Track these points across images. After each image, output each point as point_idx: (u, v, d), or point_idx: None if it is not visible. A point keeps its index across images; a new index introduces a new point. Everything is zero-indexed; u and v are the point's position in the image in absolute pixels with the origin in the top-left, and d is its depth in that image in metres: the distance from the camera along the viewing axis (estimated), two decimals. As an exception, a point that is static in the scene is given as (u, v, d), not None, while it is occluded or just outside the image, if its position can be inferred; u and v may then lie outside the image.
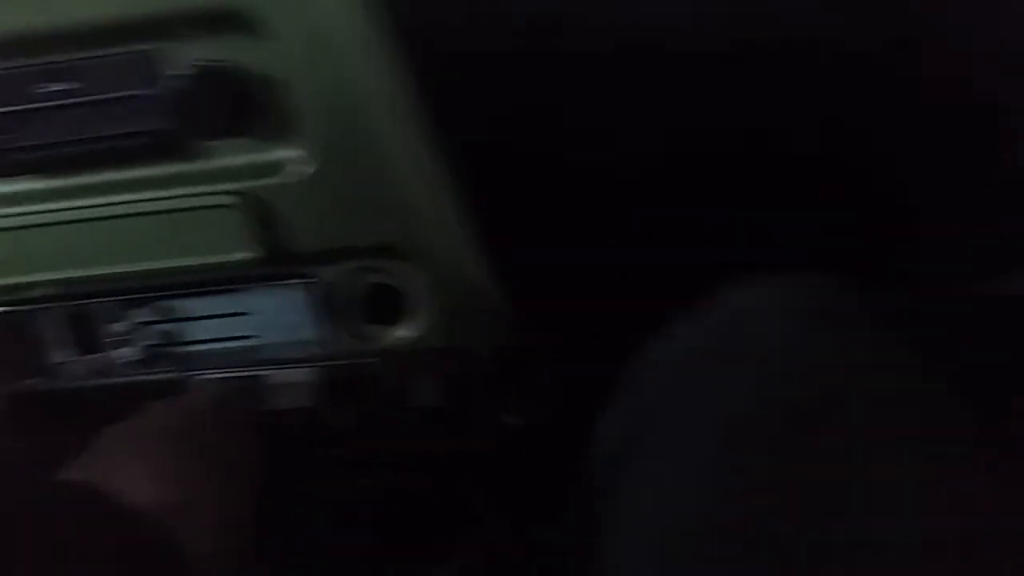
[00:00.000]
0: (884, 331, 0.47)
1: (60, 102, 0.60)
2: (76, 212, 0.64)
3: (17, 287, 0.68)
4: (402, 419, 0.67)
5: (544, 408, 0.68)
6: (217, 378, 0.70)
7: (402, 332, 0.71)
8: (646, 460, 0.49)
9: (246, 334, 0.73)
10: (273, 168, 0.62)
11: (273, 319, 0.73)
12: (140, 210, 0.64)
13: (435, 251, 0.64)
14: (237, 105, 0.59)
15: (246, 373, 0.71)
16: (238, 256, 0.65)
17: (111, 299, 0.71)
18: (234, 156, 0.62)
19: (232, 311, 0.73)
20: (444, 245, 0.63)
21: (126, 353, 0.73)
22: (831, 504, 0.42)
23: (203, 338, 0.74)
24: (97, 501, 0.52)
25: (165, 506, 0.53)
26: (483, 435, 0.66)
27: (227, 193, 0.62)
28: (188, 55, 0.58)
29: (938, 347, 0.47)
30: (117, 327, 0.73)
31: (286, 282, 0.70)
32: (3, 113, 0.61)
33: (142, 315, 0.73)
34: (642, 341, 0.54)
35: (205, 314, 0.73)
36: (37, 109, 0.61)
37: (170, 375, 0.73)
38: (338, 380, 0.69)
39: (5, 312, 0.72)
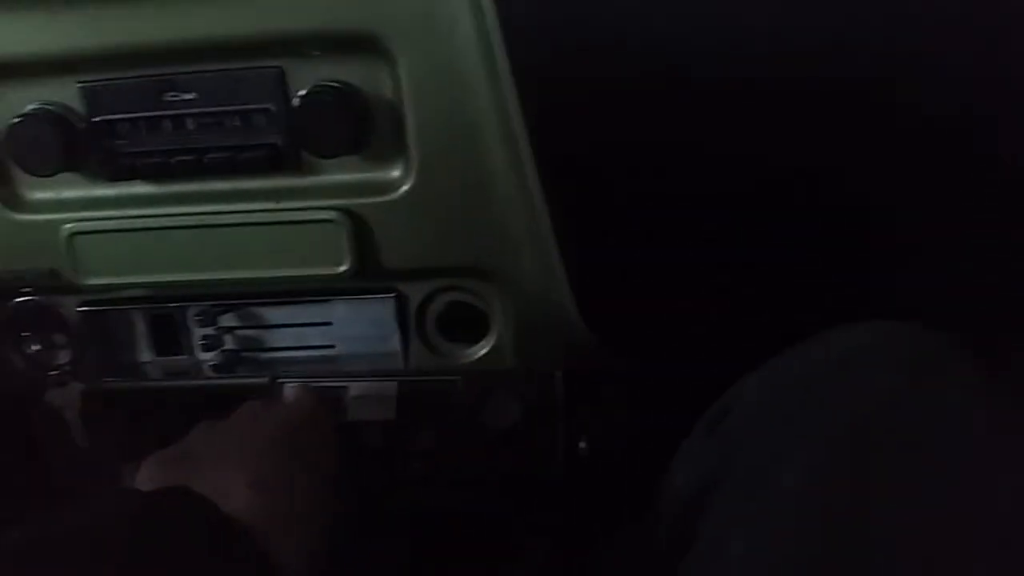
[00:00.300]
0: (983, 387, 0.48)
1: (184, 111, 0.63)
2: (183, 219, 0.67)
3: (112, 287, 0.71)
4: (479, 439, 0.69)
5: (617, 433, 0.70)
6: (303, 386, 0.71)
7: (481, 351, 0.74)
8: (731, 494, 0.50)
9: (328, 344, 0.76)
10: (378, 187, 0.65)
11: (355, 331, 0.75)
12: (246, 220, 0.66)
13: (523, 274, 0.67)
14: (353, 125, 0.62)
15: (327, 383, 0.73)
16: (333, 270, 0.67)
17: (200, 303, 0.74)
18: (343, 173, 0.66)
19: (316, 320, 0.75)
20: (532, 268, 0.66)
21: (210, 357, 0.76)
22: (926, 547, 0.43)
23: (285, 345, 0.76)
24: (195, 506, 0.52)
25: (259, 513, 0.53)
26: (558, 459, 0.68)
27: (332, 209, 0.65)
28: (314, 74, 0.62)
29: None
30: (203, 331, 0.75)
31: (371, 296, 0.73)
32: (128, 119, 0.64)
33: (228, 320, 0.75)
34: (720, 375, 0.57)
35: (289, 322, 0.76)
36: (160, 117, 0.64)
37: (251, 380, 0.76)
38: (417, 395, 0.71)
39: (96, 311, 0.74)
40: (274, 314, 0.75)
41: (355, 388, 0.72)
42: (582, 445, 0.68)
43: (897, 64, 0.57)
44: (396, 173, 0.65)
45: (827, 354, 0.52)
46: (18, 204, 0.68)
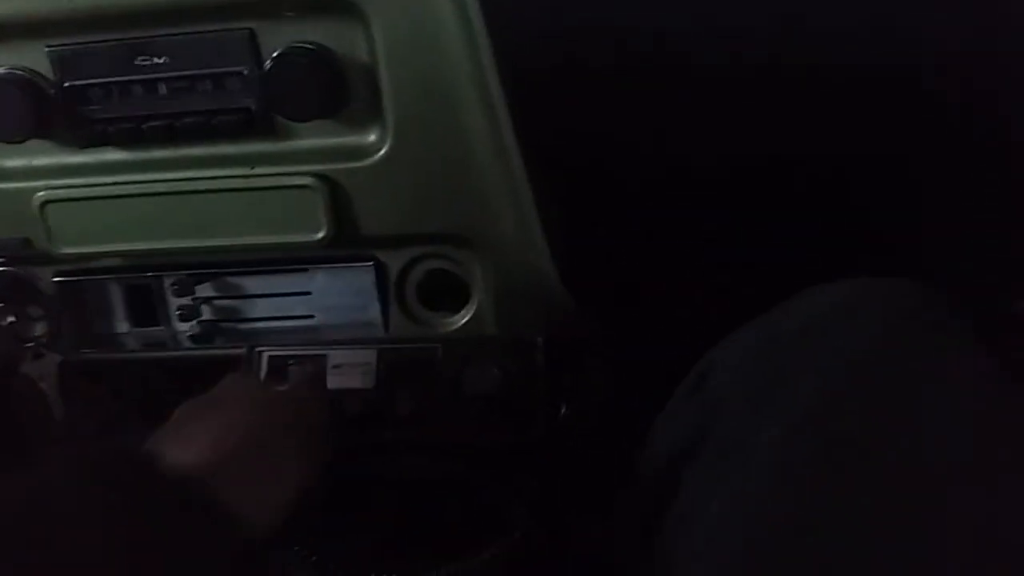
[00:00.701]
0: (967, 338, 0.48)
1: (156, 75, 0.62)
2: (156, 185, 0.66)
3: (87, 256, 0.70)
4: (459, 406, 0.69)
5: (598, 400, 0.70)
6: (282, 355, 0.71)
7: (462, 320, 0.73)
8: (711, 455, 0.50)
9: (307, 314, 0.75)
10: (355, 152, 0.64)
11: (334, 300, 0.75)
12: (220, 186, 0.65)
13: (502, 240, 0.66)
14: (328, 88, 0.61)
15: (306, 351, 0.72)
16: (310, 237, 0.67)
17: (176, 273, 0.73)
18: (318, 138, 0.65)
19: (294, 291, 0.75)
20: (512, 234, 0.65)
21: (187, 327, 0.75)
22: (901, 505, 0.43)
23: (264, 315, 0.76)
24: (149, 463, 0.52)
25: (217, 469, 0.53)
26: (539, 425, 0.68)
27: (308, 175, 0.64)
28: (287, 36, 0.60)
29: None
30: (180, 301, 0.74)
31: (350, 264, 0.72)
32: (99, 84, 0.63)
33: (205, 290, 0.74)
34: (696, 337, 0.56)
35: (267, 292, 0.75)
36: (132, 81, 0.63)
37: (229, 350, 0.75)
38: (397, 363, 0.71)
39: (72, 281, 0.73)
40: (252, 284, 0.75)
41: (335, 356, 0.71)
42: (563, 411, 0.68)
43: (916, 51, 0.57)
44: (372, 138, 0.64)
45: (804, 313, 0.52)
46: (-11, 172, 0.67)
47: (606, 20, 0.57)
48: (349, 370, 0.70)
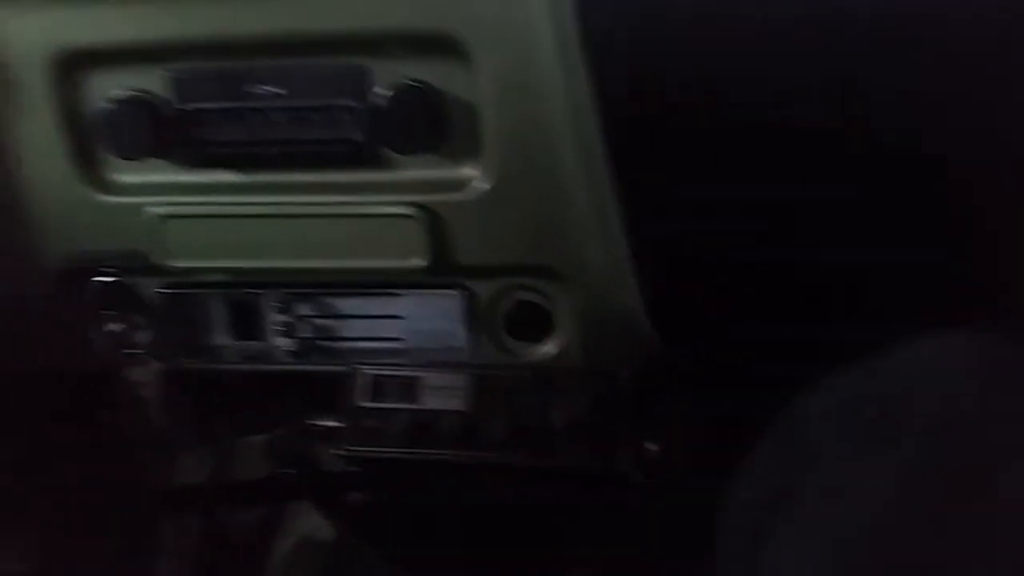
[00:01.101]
0: None
1: (269, 103, 0.65)
2: (264, 207, 0.69)
3: (194, 271, 0.73)
4: (547, 433, 0.70)
5: (683, 438, 0.70)
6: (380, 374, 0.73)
7: (546, 350, 0.74)
8: (807, 503, 0.50)
9: (396, 336, 0.77)
10: (454, 184, 0.66)
11: (423, 325, 0.76)
12: (326, 212, 0.68)
13: (592, 275, 0.67)
14: (432, 124, 0.63)
15: (404, 372, 0.74)
16: (407, 263, 0.69)
17: (277, 290, 0.76)
18: (420, 170, 0.66)
19: (386, 314, 0.77)
20: (602, 270, 0.66)
21: (286, 343, 0.78)
22: (1006, 564, 0.43)
23: (356, 336, 0.78)
24: None
25: None
26: (625, 456, 0.68)
27: (409, 204, 0.66)
28: (396, 73, 0.63)
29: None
30: (280, 317, 0.77)
31: (441, 292, 0.74)
32: (214, 109, 0.66)
33: (304, 308, 0.77)
34: (790, 378, 0.56)
35: (361, 314, 0.77)
36: (246, 108, 0.65)
37: (326, 367, 0.77)
38: (488, 388, 0.72)
39: (177, 294, 0.77)
40: (347, 305, 0.77)
41: (429, 378, 0.73)
42: (648, 445, 0.69)
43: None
44: (471, 171, 0.65)
45: (905, 366, 0.51)
46: (106, 187, 0.70)
47: (708, 66, 0.57)
48: (443, 392, 0.72)
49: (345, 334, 0.78)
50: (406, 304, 0.76)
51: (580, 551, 0.80)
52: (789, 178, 0.61)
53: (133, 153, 0.67)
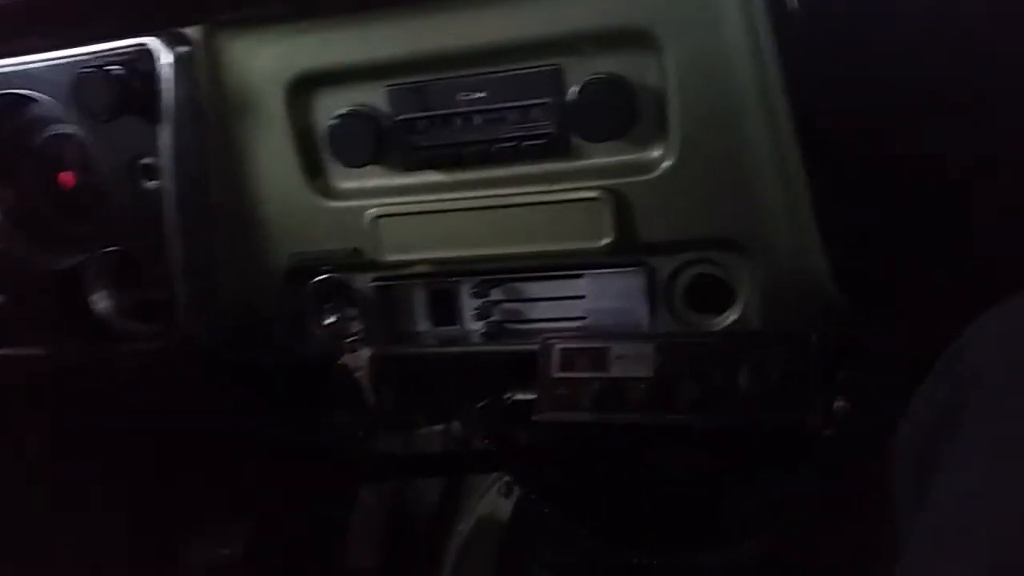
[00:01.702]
0: None
1: (473, 108, 0.74)
2: (466, 202, 0.77)
3: (405, 263, 0.82)
4: (737, 397, 0.74)
5: (871, 395, 0.73)
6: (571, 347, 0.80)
7: (726, 320, 0.80)
8: (968, 422, 0.51)
9: (580, 315, 0.84)
10: (640, 167, 0.73)
11: (605, 303, 0.83)
12: (522, 201, 0.76)
13: (777, 244, 0.71)
14: (622, 112, 0.70)
15: (593, 344, 0.80)
16: (595, 244, 0.75)
17: (474, 278, 0.84)
18: (607, 156, 0.74)
19: (571, 294, 0.84)
20: (787, 238, 0.70)
21: (480, 326, 0.86)
22: None
23: (543, 317, 0.85)
24: None
25: None
26: (816, 417, 0.72)
27: (597, 188, 0.73)
28: (587, 68, 0.70)
29: None
30: (476, 303, 0.85)
31: (623, 270, 0.80)
32: (426, 117, 0.75)
33: (496, 294, 0.85)
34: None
35: (547, 296, 0.84)
36: (454, 114, 0.74)
37: (517, 347, 0.85)
38: (675, 356, 0.77)
39: (387, 285, 0.86)
40: (534, 288, 0.84)
41: (616, 348, 0.79)
42: (838, 404, 0.72)
43: None
44: (657, 153, 0.72)
45: None
46: (330, 192, 0.80)
47: (895, 44, 0.62)
48: (630, 360, 0.77)
49: (532, 316, 0.85)
50: (588, 284, 0.83)
51: (757, 516, 0.85)
52: (973, 143, 0.65)
53: (356, 161, 0.76)
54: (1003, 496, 0.46)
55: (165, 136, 0.76)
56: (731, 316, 0.79)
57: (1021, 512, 0.45)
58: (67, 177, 0.84)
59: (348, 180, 0.80)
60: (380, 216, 0.79)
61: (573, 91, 0.71)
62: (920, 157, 0.64)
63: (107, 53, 0.76)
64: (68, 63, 0.77)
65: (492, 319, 0.86)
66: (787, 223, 0.70)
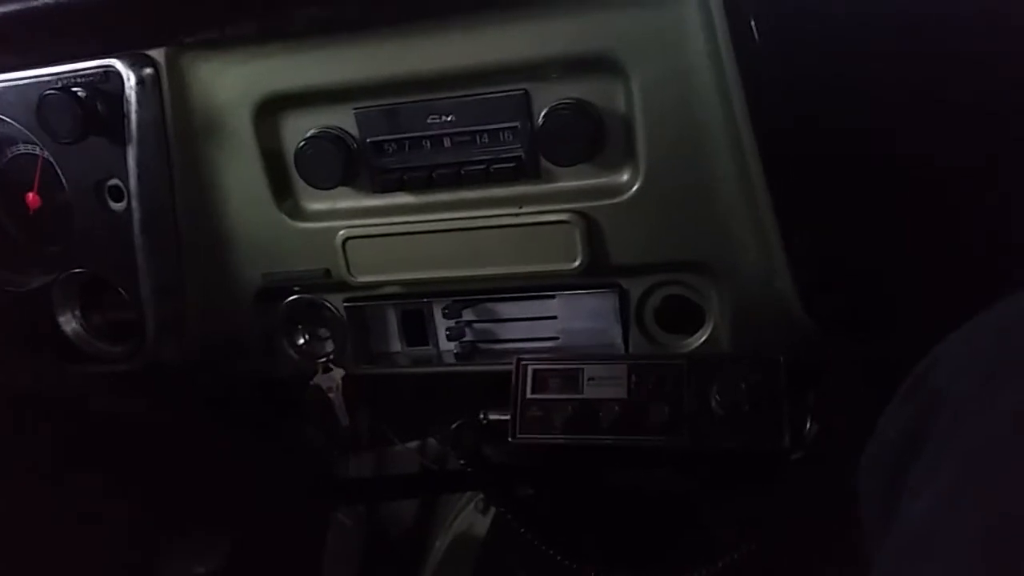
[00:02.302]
0: None
1: (443, 131, 0.73)
2: (436, 224, 0.77)
3: (376, 284, 0.82)
4: (708, 417, 0.74)
5: (841, 416, 0.74)
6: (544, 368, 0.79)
7: (696, 341, 0.80)
8: (933, 440, 0.50)
9: (552, 335, 0.84)
10: (609, 191, 0.73)
11: (577, 324, 0.83)
12: (492, 224, 0.76)
13: (744, 267, 0.72)
14: (590, 136, 0.70)
15: (566, 365, 0.80)
16: (567, 266, 0.75)
17: (446, 299, 0.84)
18: (576, 180, 0.74)
19: (543, 315, 0.84)
20: (754, 262, 0.71)
21: (452, 347, 0.86)
22: None
23: (516, 337, 0.85)
24: None
25: None
26: (786, 437, 0.72)
27: (567, 211, 0.73)
28: (555, 94, 0.70)
29: None
30: (448, 323, 0.85)
31: (596, 291, 0.81)
32: (395, 140, 0.75)
33: (469, 314, 0.85)
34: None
35: (520, 316, 0.84)
36: (424, 137, 0.74)
37: (483, 367, 0.85)
38: (647, 377, 0.77)
39: (358, 306, 0.86)
40: (507, 309, 0.84)
41: (590, 370, 0.79)
42: (809, 427, 0.73)
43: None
44: (625, 177, 0.72)
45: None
46: (299, 214, 0.80)
47: (859, 64, 0.62)
48: (603, 382, 0.78)
49: (505, 336, 0.85)
50: (560, 305, 0.83)
51: (728, 535, 0.85)
52: (939, 172, 0.65)
53: (325, 183, 0.76)
54: (965, 515, 0.46)
55: (131, 158, 0.76)
56: (702, 336, 0.80)
57: (982, 531, 0.45)
58: (33, 198, 0.83)
59: (318, 202, 0.80)
60: (350, 238, 0.78)
61: (541, 115, 0.71)
62: (886, 184, 0.64)
63: (72, 74, 0.75)
64: (32, 84, 0.76)
65: (465, 339, 0.86)
66: (754, 247, 0.70)
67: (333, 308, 0.86)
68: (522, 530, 0.89)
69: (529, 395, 0.80)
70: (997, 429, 0.47)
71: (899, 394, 0.58)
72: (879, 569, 0.50)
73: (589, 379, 0.78)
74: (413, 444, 1.00)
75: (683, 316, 0.81)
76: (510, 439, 0.78)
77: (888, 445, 0.57)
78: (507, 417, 0.80)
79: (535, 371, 0.79)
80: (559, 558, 0.89)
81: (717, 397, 0.73)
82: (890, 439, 0.57)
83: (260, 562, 1.15)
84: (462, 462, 0.85)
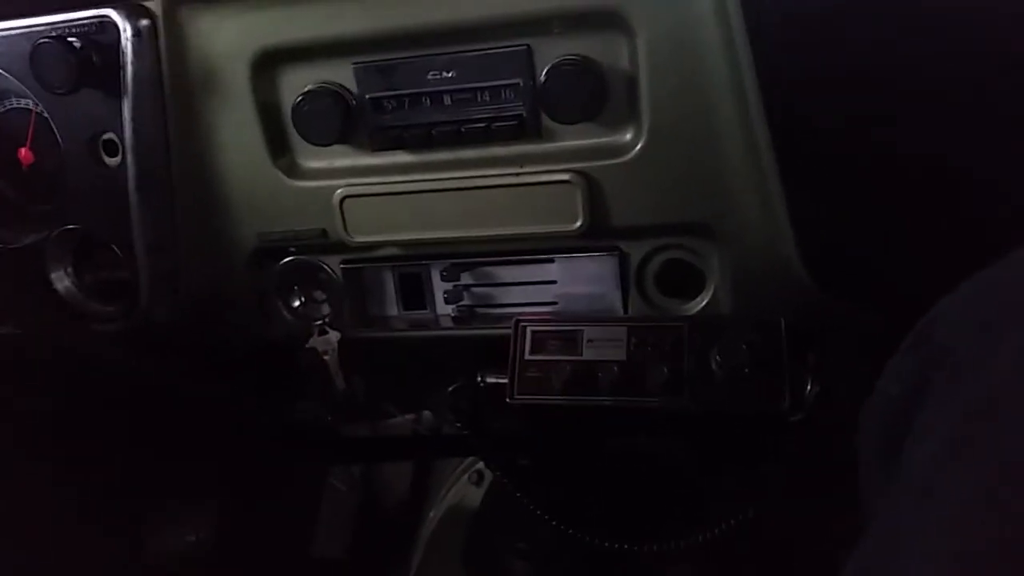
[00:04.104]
0: None
1: (444, 88, 0.72)
2: (437, 183, 0.76)
3: (374, 245, 0.81)
4: (708, 379, 0.73)
5: (843, 378, 0.73)
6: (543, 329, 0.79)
7: (696, 305, 0.79)
8: (935, 395, 0.50)
9: (551, 300, 0.83)
10: (611, 150, 0.72)
11: (577, 288, 0.82)
12: (492, 183, 0.74)
13: (746, 229, 0.71)
14: (593, 94, 0.69)
15: (565, 327, 0.79)
16: (567, 227, 0.74)
17: (444, 261, 0.83)
18: (578, 139, 0.73)
19: (542, 279, 0.83)
20: (757, 224, 0.70)
21: (450, 310, 0.85)
22: None
23: (514, 302, 0.84)
24: None
25: None
26: (786, 398, 0.71)
27: (568, 171, 0.72)
28: (558, 50, 0.69)
29: None
30: (445, 286, 0.84)
31: (594, 255, 0.80)
32: (394, 96, 0.73)
33: (467, 278, 0.84)
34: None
35: (519, 280, 0.83)
36: (423, 93, 0.73)
37: (481, 331, 0.84)
38: (646, 339, 0.76)
39: (355, 268, 0.85)
40: (506, 273, 0.83)
41: (589, 331, 0.78)
42: (809, 389, 0.72)
43: None
44: (628, 137, 0.71)
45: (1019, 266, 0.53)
46: (296, 172, 0.79)
47: (867, 28, 0.61)
48: (602, 344, 0.77)
49: (503, 300, 0.85)
50: (560, 269, 0.82)
51: (725, 502, 0.84)
52: (943, 131, 0.64)
53: (322, 139, 0.75)
54: (967, 460, 0.46)
55: (126, 111, 0.74)
56: (702, 301, 0.79)
57: (983, 478, 0.45)
58: (25, 154, 0.82)
59: (315, 159, 0.79)
60: (348, 196, 0.77)
61: (544, 72, 0.70)
62: (892, 143, 0.63)
63: (67, 24, 0.73)
64: (26, 34, 0.74)
65: (463, 303, 0.85)
66: (758, 209, 0.69)
67: (329, 270, 0.85)
68: (518, 495, 0.89)
69: (527, 356, 0.79)
70: (998, 379, 0.47)
71: (901, 349, 0.58)
72: (881, 515, 0.50)
73: (588, 341, 0.77)
74: (409, 410, 0.99)
75: (683, 281, 0.80)
76: (508, 400, 0.77)
77: (890, 400, 0.57)
78: (505, 380, 0.79)
79: (534, 332, 0.79)
80: (554, 523, 0.88)
81: (717, 359, 0.72)
82: (893, 393, 0.57)
83: (251, 530, 1.15)
84: (459, 425, 0.85)
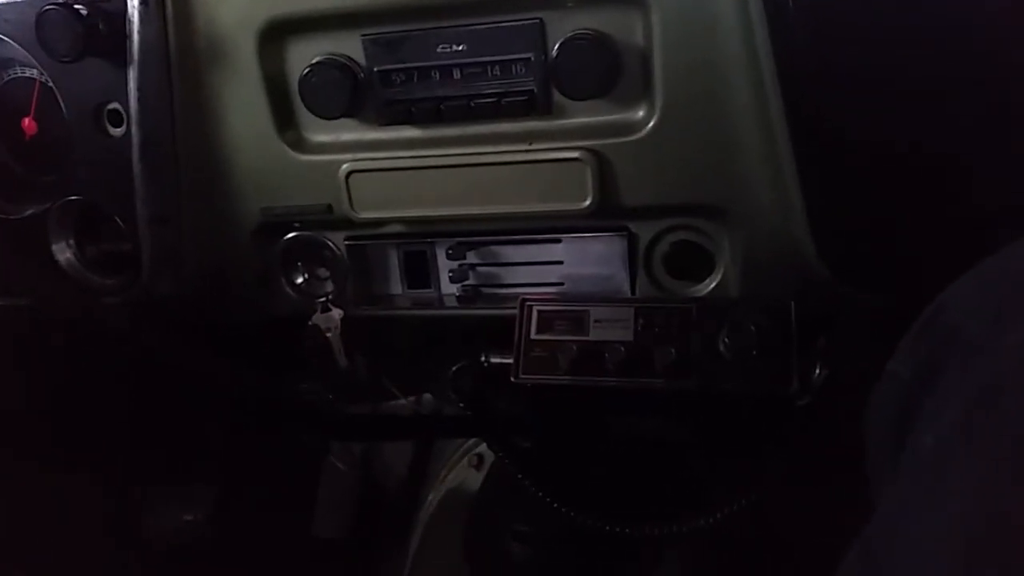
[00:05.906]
0: None
1: (454, 61, 0.71)
2: (445, 159, 0.75)
3: (380, 221, 0.80)
4: (716, 360, 0.73)
5: (852, 362, 0.72)
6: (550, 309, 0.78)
7: (705, 288, 0.78)
8: (946, 377, 0.50)
9: (558, 281, 0.82)
10: (623, 128, 0.71)
11: (584, 269, 0.81)
12: (501, 160, 0.73)
13: (758, 211, 0.70)
14: (605, 70, 0.68)
15: (572, 307, 0.78)
16: (577, 206, 0.73)
17: (450, 239, 0.82)
18: (590, 116, 0.72)
19: (548, 259, 0.82)
20: (769, 205, 0.69)
21: (455, 289, 0.84)
22: None
23: (520, 282, 0.83)
24: None
25: None
26: (794, 381, 0.71)
27: (579, 149, 0.71)
28: (571, 24, 0.68)
29: None
30: (451, 264, 0.83)
31: (602, 235, 0.79)
32: (403, 69, 0.72)
33: (473, 257, 0.83)
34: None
35: (525, 260, 0.82)
36: (433, 67, 0.72)
37: (486, 311, 0.83)
38: (654, 320, 0.76)
39: (359, 245, 0.84)
40: (513, 252, 0.82)
41: (596, 312, 0.77)
42: (818, 372, 0.71)
43: None
44: (640, 114, 0.70)
45: None
46: (302, 146, 0.78)
47: (885, 13, 0.60)
48: (609, 324, 0.76)
49: (509, 280, 0.84)
50: (567, 249, 0.81)
51: (730, 486, 0.84)
52: (957, 120, 0.63)
53: (329, 113, 0.74)
54: (975, 446, 0.46)
55: (132, 80, 0.73)
56: (711, 283, 0.78)
57: (992, 461, 0.44)
58: (29, 124, 0.81)
59: (321, 133, 0.78)
60: (354, 171, 0.76)
61: (556, 46, 0.69)
62: (906, 128, 0.62)
63: (72, -9, 0.72)
64: (32, 1, 0.73)
65: (467, 282, 0.84)
66: (770, 190, 0.68)
67: (334, 246, 0.84)
68: (519, 476, 0.88)
69: (533, 336, 0.78)
70: (1008, 363, 0.47)
71: (912, 332, 0.57)
72: (887, 498, 0.50)
73: (595, 321, 0.77)
74: (412, 389, 0.99)
75: (692, 263, 0.79)
76: (512, 379, 0.76)
77: (900, 383, 0.56)
78: (509, 361, 0.79)
79: (540, 312, 0.78)
80: (555, 506, 0.87)
81: (725, 340, 0.72)
82: (902, 377, 0.56)
83: (251, 509, 1.14)
84: (461, 405, 0.84)
